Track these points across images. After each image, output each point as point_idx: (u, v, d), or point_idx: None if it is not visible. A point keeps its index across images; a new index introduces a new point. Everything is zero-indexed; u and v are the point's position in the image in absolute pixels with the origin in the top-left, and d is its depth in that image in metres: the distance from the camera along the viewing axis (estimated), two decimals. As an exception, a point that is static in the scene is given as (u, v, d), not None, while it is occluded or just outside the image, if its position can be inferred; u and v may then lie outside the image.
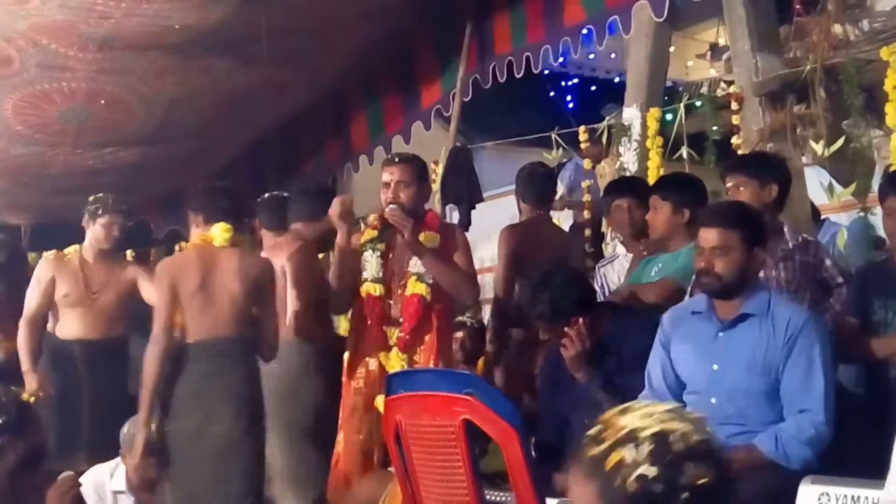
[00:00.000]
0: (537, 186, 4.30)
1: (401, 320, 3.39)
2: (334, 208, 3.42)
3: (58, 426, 3.99)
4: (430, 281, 3.39)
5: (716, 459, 1.40)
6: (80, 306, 4.39)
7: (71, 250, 4.52)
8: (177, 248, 7.71)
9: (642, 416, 1.44)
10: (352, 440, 3.36)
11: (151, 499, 3.49)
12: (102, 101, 4.80)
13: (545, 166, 4.55)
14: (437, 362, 3.37)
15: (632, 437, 1.41)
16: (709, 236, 2.66)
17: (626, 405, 1.50)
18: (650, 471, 1.37)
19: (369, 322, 3.41)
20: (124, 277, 4.53)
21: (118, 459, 3.46)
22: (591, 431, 1.45)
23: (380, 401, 3.29)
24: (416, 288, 3.39)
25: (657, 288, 3.34)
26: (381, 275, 3.42)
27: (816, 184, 4.19)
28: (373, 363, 3.39)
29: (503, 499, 2.39)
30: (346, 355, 3.45)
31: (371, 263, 3.43)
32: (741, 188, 3.12)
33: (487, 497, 2.34)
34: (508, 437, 2.13)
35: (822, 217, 4.30)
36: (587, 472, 1.42)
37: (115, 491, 3.44)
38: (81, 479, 2.91)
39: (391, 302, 3.42)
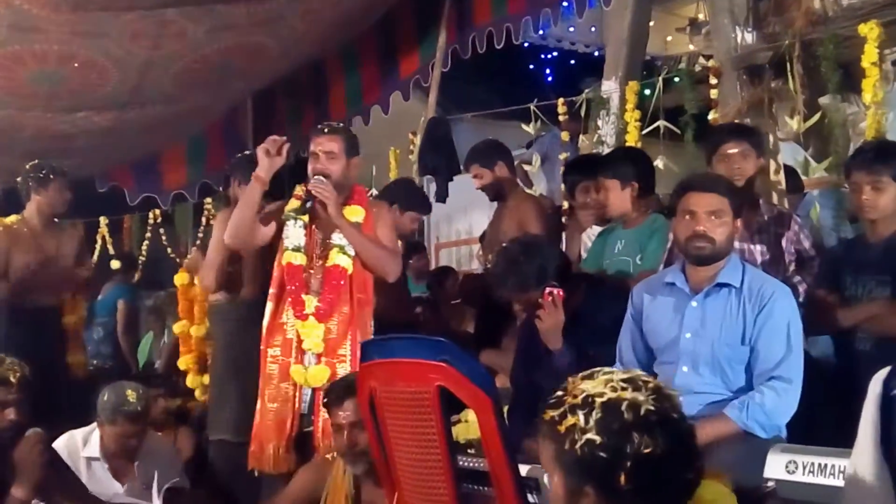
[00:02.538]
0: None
1: (320, 290, 3.39)
2: (265, 143, 3.39)
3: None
4: (353, 253, 3.41)
5: (667, 430, 1.43)
6: (39, 273, 4.44)
7: (13, 219, 4.52)
8: (150, 214, 7.68)
9: (601, 382, 1.47)
10: (266, 407, 3.36)
11: (126, 465, 3.49)
12: (75, 64, 4.71)
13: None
14: (355, 334, 3.38)
15: (586, 403, 1.44)
16: (703, 200, 2.67)
17: (591, 371, 1.53)
18: (596, 438, 1.41)
19: (289, 290, 3.40)
20: (72, 242, 4.65)
21: (93, 426, 3.44)
22: (555, 394, 1.50)
23: (295, 370, 3.32)
24: (337, 259, 3.41)
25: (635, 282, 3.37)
26: (302, 244, 3.42)
27: (791, 160, 4.22)
28: (290, 331, 3.38)
29: (476, 465, 2.40)
30: (265, 322, 3.44)
31: (293, 232, 3.43)
32: (746, 156, 3.22)
33: (460, 464, 2.35)
34: (482, 404, 2.13)
35: (804, 192, 4.32)
36: (545, 433, 1.48)
37: (89, 457, 3.43)
38: (55, 444, 2.90)
39: (311, 272, 3.42)
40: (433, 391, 2.18)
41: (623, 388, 1.45)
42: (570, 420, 1.43)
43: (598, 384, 1.47)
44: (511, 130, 6.05)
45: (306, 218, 3.45)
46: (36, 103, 5.05)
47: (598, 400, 1.44)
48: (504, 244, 3.66)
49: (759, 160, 3.20)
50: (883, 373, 1.67)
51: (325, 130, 3.44)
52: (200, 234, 7.32)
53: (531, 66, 8.61)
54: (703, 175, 2.99)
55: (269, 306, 3.44)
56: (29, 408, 2.95)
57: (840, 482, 1.95)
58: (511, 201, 4.37)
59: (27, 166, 4.52)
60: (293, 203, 3.46)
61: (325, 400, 2.91)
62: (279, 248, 3.47)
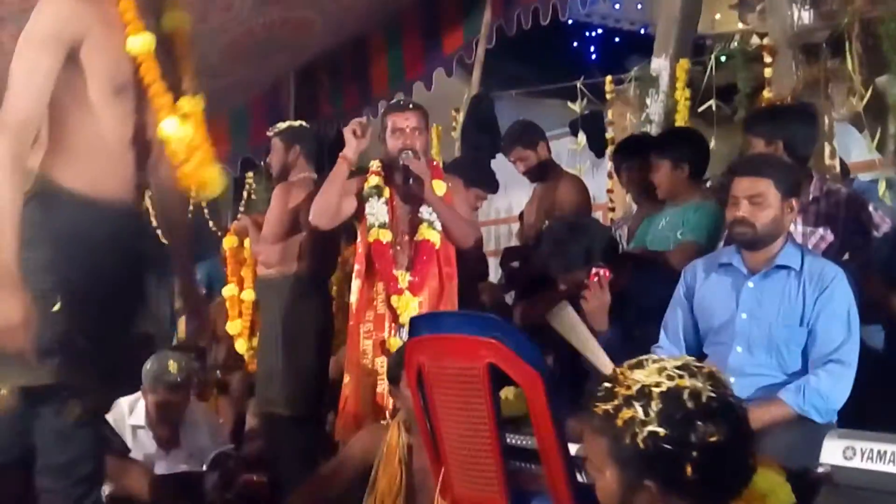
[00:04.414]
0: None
1: (409, 265, 3.41)
2: (351, 124, 3.43)
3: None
4: (440, 228, 3.41)
5: (728, 416, 1.41)
6: None
7: None
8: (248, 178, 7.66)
9: (654, 371, 1.43)
10: (364, 382, 3.38)
11: (171, 433, 3.54)
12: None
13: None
14: (445, 307, 3.40)
15: (643, 394, 1.40)
16: (743, 185, 2.64)
17: (639, 359, 1.49)
18: (660, 430, 1.38)
19: (377, 267, 3.41)
20: None
21: (138, 394, 3.49)
22: (603, 385, 1.46)
23: (393, 342, 3.34)
24: (427, 234, 3.44)
25: (679, 254, 3.33)
26: (387, 220, 3.42)
27: (845, 143, 4.14)
28: (381, 307, 3.40)
29: (524, 443, 2.39)
30: (353, 299, 3.47)
31: (378, 209, 3.44)
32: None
33: (508, 441, 2.34)
34: (533, 381, 2.12)
35: (851, 176, 4.24)
36: (598, 427, 1.43)
37: (134, 425, 3.48)
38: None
39: (398, 247, 3.43)
40: (483, 368, 2.17)
41: (680, 376, 1.42)
42: (628, 413, 1.40)
43: (652, 373, 1.43)
44: (554, 109, 6.00)
45: (388, 193, 3.47)
46: None
47: (656, 390, 1.40)
48: (549, 223, 3.65)
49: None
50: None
51: (410, 106, 3.50)
52: (241, 209, 7.35)
53: (575, 44, 8.50)
54: (748, 157, 2.95)
55: (357, 283, 3.48)
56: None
57: (900, 469, 1.90)
58: (552, 180, 4.34)
59: None
60: (374, 179, 3.48)
61: (389, 372, 2.92)
62: (361, 224, 3.49)
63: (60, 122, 2.14)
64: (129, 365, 2.41)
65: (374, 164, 3.51)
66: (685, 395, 1.39)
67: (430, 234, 3.44)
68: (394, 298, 3.39)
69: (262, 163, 6.52)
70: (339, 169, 3.41)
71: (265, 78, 6.23)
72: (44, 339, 2.01)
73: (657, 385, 1.41)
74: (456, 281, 3.53)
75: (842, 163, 4.08)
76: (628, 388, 1.42)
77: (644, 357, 1.50)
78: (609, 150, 5.07)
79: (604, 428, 1.42)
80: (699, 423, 1.38)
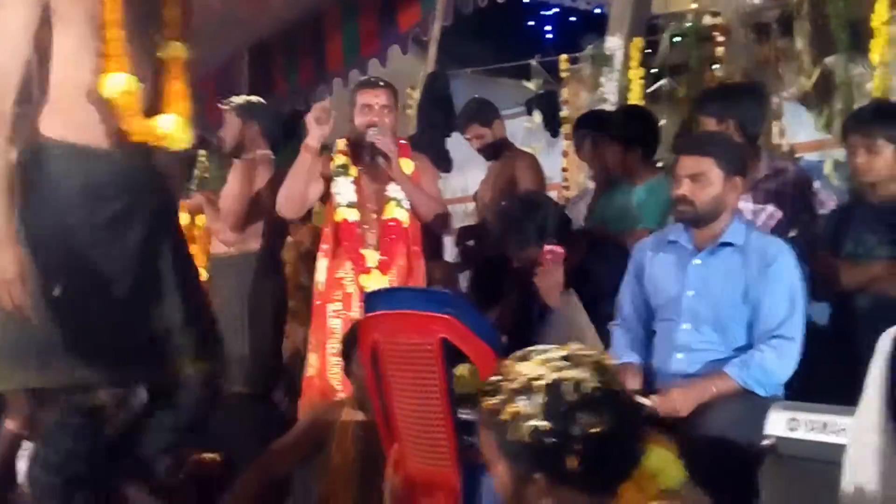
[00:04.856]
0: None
1: (377, 244, 3.39)
2: (313, 111, 3.35)
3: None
4: (408, 206, 3.41)
5: (612, 405, 1.41)
6: None
7: None
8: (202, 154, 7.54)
9: (538, 363, 1.43)
10: (330, 361, 3.37)
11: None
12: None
13: None
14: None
15: (527, 388, 1.41)
16: (684, 163, 2.68)
17: (525, 351, 1.49)
18: (543, 423, 1.39)
19: (345, 245, 3.40)
20: None
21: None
22: (490, 380, 1.47)
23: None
24: (395, 213, 3.43)
25: (632, 240, 3.36)
26: (355, 199, 3.41)
27: (793, 121, 4.20)
28: (350, 286, 3.39)
29: (476, 417, 2.41)
30: (321, 278, 3.44)
31: (344, 188, 3.42)
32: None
33: (461, 416, 2.35)
34: (487, 357, 2.13)
35: (798, 155, 4.31)
36: (486, 422, 1.45)
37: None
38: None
39: (366, 226, 3.41)
40: (436, 344, 2.18)
41: (563, 367, 1.42)
42: (513, 407, 1.40)
43: (536, 365, 1.43)
44: (511, 87, 6.00)
45: (355, 172, 3.44)
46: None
47: (539, 383, 1.40)
48: (503, 202, 3.66)
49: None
50: (892, 331, 1.68)
51: (381, 84, 3.46)
52: (193, 187, 7.25)
53: (531, 23, 8.51)
54: (690, 136, 2.98)
55: (325, 262, 3.45)
56: None
57: (841, 439, 1.95)
58: (506, 159, 4.35)
59: None
60: (340, 158, 3.45)
61: (343, 349, 2.91)
62: (328, 204, 3.46)
63: (43, 74, 2.13)
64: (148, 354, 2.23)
65: (341, 144, 3.48)
66: (567, 388, 1.40)
67: (399, 213, 3.42)
68: (362, 277, 3.37)
69: (214, 140, 6.44)
70: (303, 158, 3.35)
71: (220, 55, 6.14)
72: (50, 334, 1.99)
73: (540, 378, 1.41)
74: (423, 260, 3.53)
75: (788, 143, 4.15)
76: (513, 381, 1.43)
77: (530, 349, 1.50)
78: (564, 129, 5.09)
79: (491, 423, 1.43)
80: (581, 414, 1.38)
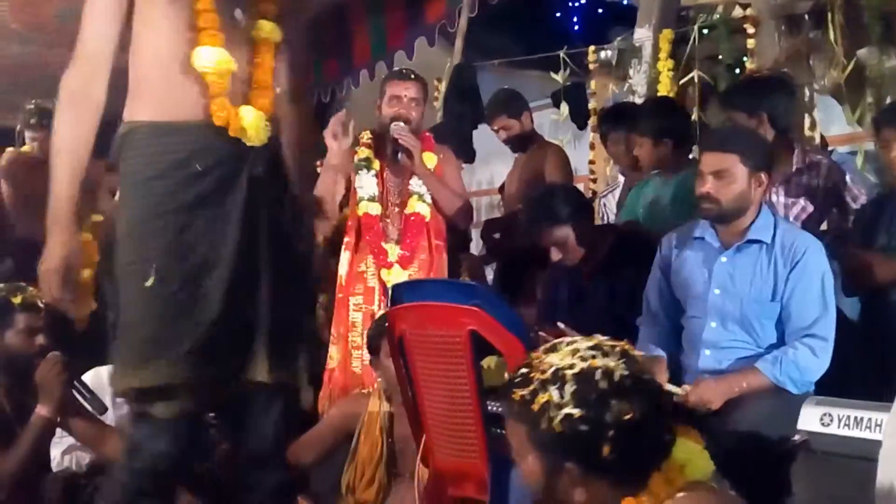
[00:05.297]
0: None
1: (398, 238, 3.39)
2: (330, 126, 3.22)
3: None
4: (430, 201, 3.40)
5: (642, 393, 1.42)
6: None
7: (27, 148, 4.54)
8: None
9: (567, 354, 1.44)
10: (351, 354, 3.37)
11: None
12: (100, 2, 4.66)
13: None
14: None
15: (557, 378, 1.41)
16: (708, 160, 2.65)
17: (553, 343, 1.49)
18: (575, 411, 1.39)
19: (367, 239, 3.40)
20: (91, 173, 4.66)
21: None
22: (518, 372, 1.46)
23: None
24: (417, 207, 3.42)
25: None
26: (376, 193, 3.41)
27: (824, 114, 4.14)
28: (371, 279, 3.39)
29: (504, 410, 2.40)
30: (343, 271, 3.44)
31: (367, 181, 3.42)
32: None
33: (490, 408, 2.35)
34: (515, 349, 2.13)
35: (830, 148, 4.27)
36: (516, 414, 1.44)
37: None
38: (83, 378, 2.93)
39: (388, 220, 3.41)
40: (465, 335, 2.18)
41: (592, 357, 1.42)
42: (543, 397, 1.40)
43: (565, 356, 1.44)
44: (538, 79, 5.96)
45: (378, 166, 3.44)
46: (62, 41, 4.99)
47: (570, 372, 1.41)
48: (534, 190, 3.66)
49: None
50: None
51: (412, 76, 3.46)
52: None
53: (558, 14, 8.44)
54: (714, 131, 2.95)
55: (347, 255, 3.45)
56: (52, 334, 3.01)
57: (875, 435, 1.94)
58: (533, 151, 4.34)
59: (28, 106, 4.52)
60: (363, 151, 3.45)
61: (370, 341, 2.91)
62: (351, 197, 3.45)
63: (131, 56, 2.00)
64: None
65: (365, 136, 3.47)
66: (598, 375, 1.40)
67: (421, 207, 3.42)
68: (384, 272, 3.38)
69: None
70: (326, 177, 3.22)
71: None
72: (142, 329, 1.87)
73: (570, 367, 1.41)
74: (446, 254, 3.52)
75: (820, 136, 4.09)
76: (543, 372, 1.42)
77: (558, 340, 1.51)
78: (591, 121, 5.06)
79: (521, 414, 1.43)
80: (613, 401, 1.39)
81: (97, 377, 3.46)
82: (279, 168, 2.08)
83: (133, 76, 2.01)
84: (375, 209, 3.42)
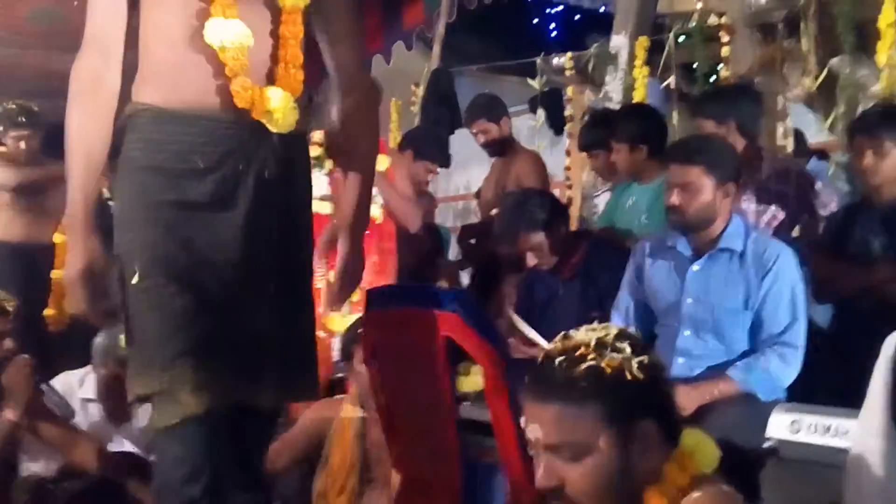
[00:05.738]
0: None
1: None
2: None
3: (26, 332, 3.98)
4: (381, 203, 3.39)
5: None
6: (26, 210, 4.46)
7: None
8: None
9: (585, 331, 1.42)
10: None
11: (122, 408, 3.49)
12: (75, 3, 4.61)
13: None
14: (385, 283, 3.38)
15: (603, 344, 1.38)
16: (674, 172, 2.66)
17: (559, 337, 1.45)
18: (642, 358, 1.39)
19: (316, 241, 3.38)
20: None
21: (88, 367, 3.43)
22: (556, 362, 1.38)
23: (331, 319, 3.33)
24: None
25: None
26: (328, 192, 3.39)
27: (797, 123, 4.18)
28: (320, 281, 3.37)
29: (477, 416, 2.40)
30: None
31: (318, 181, 3.40)
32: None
33: (462, 415, 2.35)
34: (490, 356, 2.14)
35: (811, 155, 4.29)
36: (583, 394, 1.35)
37: (84, 398, 3.42)
38: (51, 382, 2.90)
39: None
40: (440, 342, 2.18)
41: (596, 329, 1.44)
42: (610, 362, 1.35)
43: (586, 332, 1.42)
44: (515, 85, 5.98)
45: (329, 165, 3.43)
46: (36, 42, 4.95)
47: (608, 336, 1.39)
48: (509, 192, 3.67)
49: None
50: (896, 335, 1.67)
51: None
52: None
53: (535, 21, 8.47)
54: (681, 143, 2.96)
55: None
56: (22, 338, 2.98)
57: (844, 443, 1.95)
58: (510, 156, 4.35)
59: (8, 106, 4.51)
60: (314, 150, 3.43)
61: (342, 348, 2.91)
62: None
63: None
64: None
65: (317, 136, 3.46)
66: (624, 336, 1.42)
67: (372, 209, 3.41)
68: (331, 273, 3.36)
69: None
70: None
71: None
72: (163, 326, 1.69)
73: (604, 333, 1.40)
74: (395, 257, 3.51)
75: (802, 141, 4.12)
76: (587, 346, 1.38)
77: (562, 333, 1.47)
78: (568, 127, 5.09)
79: (593, 390, 1.35)
80: (648, 354, 1.42)
81: (66, 380, 3.44)
82: (298, 167, 1.88)
83: (141, 55, 1.80)
84: (327, 208, 3.40)
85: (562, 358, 1.38)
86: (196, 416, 1.69)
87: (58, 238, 4.67)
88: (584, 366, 1.36)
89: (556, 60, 5.04)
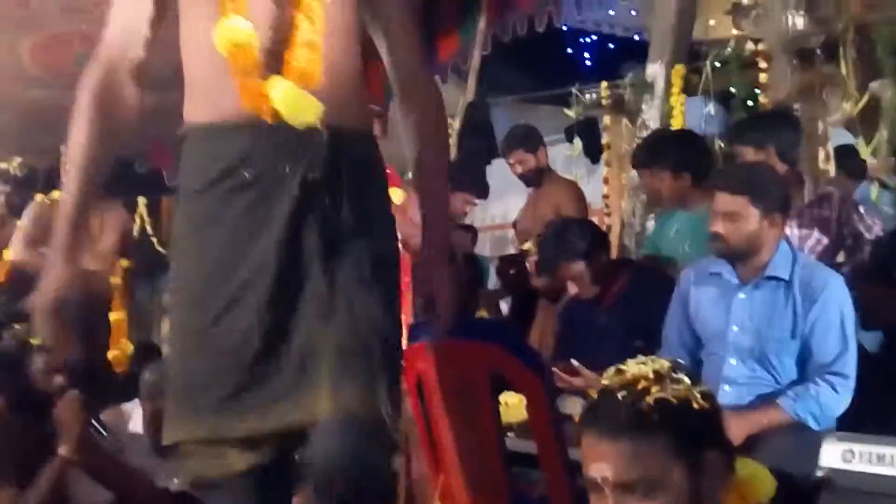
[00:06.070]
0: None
1: None
2: None
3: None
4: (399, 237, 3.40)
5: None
6: None
7: (57, 195, 4.61)
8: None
9: (635, 364, 1.39)
10: None
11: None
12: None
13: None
14: (406, 318, 3.37)
15: (660, 376, 1.35)
16: (720, 200, 2.63)
17: (617, 368, 1.41)
18: (700, 388, 1.36)
19: None
20: (119, 220, 4.72)
21: (135, 401, 3.48)
22: (620, 392, 1.34)
23: None
24: None
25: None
26: None
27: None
28: None
29: (522, 447, 2.39)
30: None
31: None
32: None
33: (509, 446, 2.34)
34: (534, 387, 2.13)
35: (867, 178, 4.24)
36: (653, 427, 1.32)
37: (133, 433, 3.46)
38: (101, 417, 2.94)
39: None
40: (483, 374, 2.18)
41: (653, 359, 1.41)
42: (673, 393, 1.33)
43: (641, 363, 1.39)
44: (551, 114, 6.01)
45: None
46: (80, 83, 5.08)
47: (662, 368, 1.36)
48: (549, 221, 3.67)
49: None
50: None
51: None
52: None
53: (569, 50, 8.52)
54: (728, 170, 2.95)
55: None
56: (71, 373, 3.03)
57: (899, 472, 1.92)
58: (547, 186, 4.36)
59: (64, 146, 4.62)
60: None
61: None
62: None
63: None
64: None
65: None
66: (676, 367, 1.40)
67: None
68: None
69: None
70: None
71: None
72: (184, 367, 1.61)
73: (654, 367, 1.37)
74: (410, 292, 3.50)
75: (861, 164, 4.05)
76: (647, 378, 1.34)
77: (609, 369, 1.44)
78: (605, 155, 5.10)
79: (663, 422, 1.31)
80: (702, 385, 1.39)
81: (117, 414, 3.49)
82: (359, 168, 1.68)
83: (185, 72, 1.71)
84: None
85: (624, 392, 1.34)
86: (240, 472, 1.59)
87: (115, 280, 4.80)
88: (650, 398, 1.33)
89: (590, 92, 5.05)
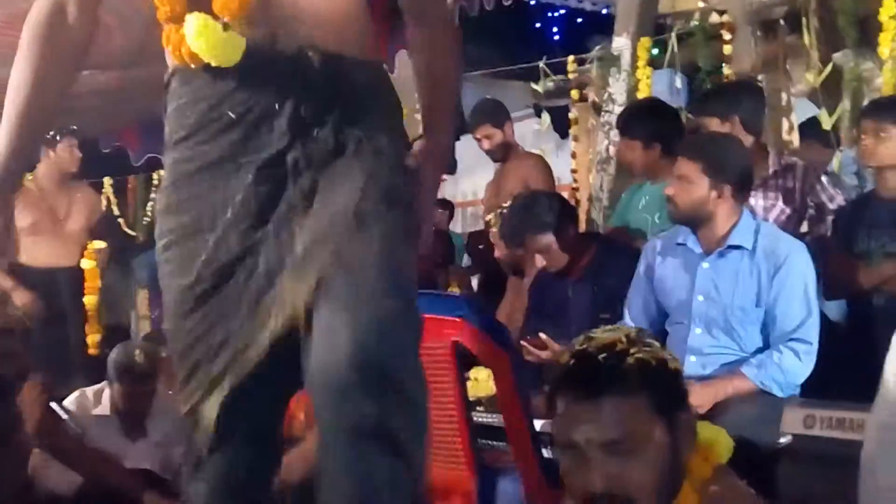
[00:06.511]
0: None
1: None
2: None
3: (48, 352, 4.01)
4: None
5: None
6: (47, 234, 4.48)
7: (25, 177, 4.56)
8: (155, 175, 7.64)
9: (604, 333, 1.40)
10: None
11: (138, 424, 3.50)
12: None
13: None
14: None
15: (633, 340, 1.37)
16: (678, 164, 2.68)
17: (586, 335, 1.41)
18: (669, 352, 1.40)
19: None
20: (89, 202, 4.69)
21: (104, 384, 3.45)
22: (600, 355, 1.34)
23: None
24: None
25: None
26: None
27: (803, 117, 4.18)
28: None
29: (489, 420, 2.41)
30: None
31: None
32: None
33: (475, 419, 2.35)
34: (500, 360, 2.14)
35: (841, 147, 4.24)
36: (635, 386, 1.32)
37: (100, 415, 3.43)
38: (66, 402, 2.91)
39: None
40: (449, 347, 2.18)
41: (617, 327, 1.44)
42: (650, 355, 1.35)
43: (609, 331, 1.40)
44: (519, 89, 5.99)
45: None
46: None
47: (632, 332, 1.39)
48: (517, 194, 3.67)
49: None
50: (908, 326, 1.66)
51: None
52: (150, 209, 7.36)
53: (537, 25, 8.49)
54: (689, 137, 2.97)
55: None
56: (30, 358, 3.00)
57: (858, 436, 1.94)
58: (514, 160, 4.35)
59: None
60: None
61: None
62: None
63: None
64: None
65: None
66: (647, 335, 1.43)
67: None
68: None
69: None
70: None
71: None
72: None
73: (626, 330, 1.40)
74: None
75: (836, 135, 4.07)
76: (622, 341, 1.35)
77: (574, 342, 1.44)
78: (572, 130, 5.09)
79: (642, 381, 1.33)
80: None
81: (82, 397, 3.46)
82: (359, 99, 1.52)
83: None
84: None
85: (605, 354, 1.34)
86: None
87: (85, 263, 4.75)
88: (631, 359, 1.33)
89: (558, 67, 5.04)
